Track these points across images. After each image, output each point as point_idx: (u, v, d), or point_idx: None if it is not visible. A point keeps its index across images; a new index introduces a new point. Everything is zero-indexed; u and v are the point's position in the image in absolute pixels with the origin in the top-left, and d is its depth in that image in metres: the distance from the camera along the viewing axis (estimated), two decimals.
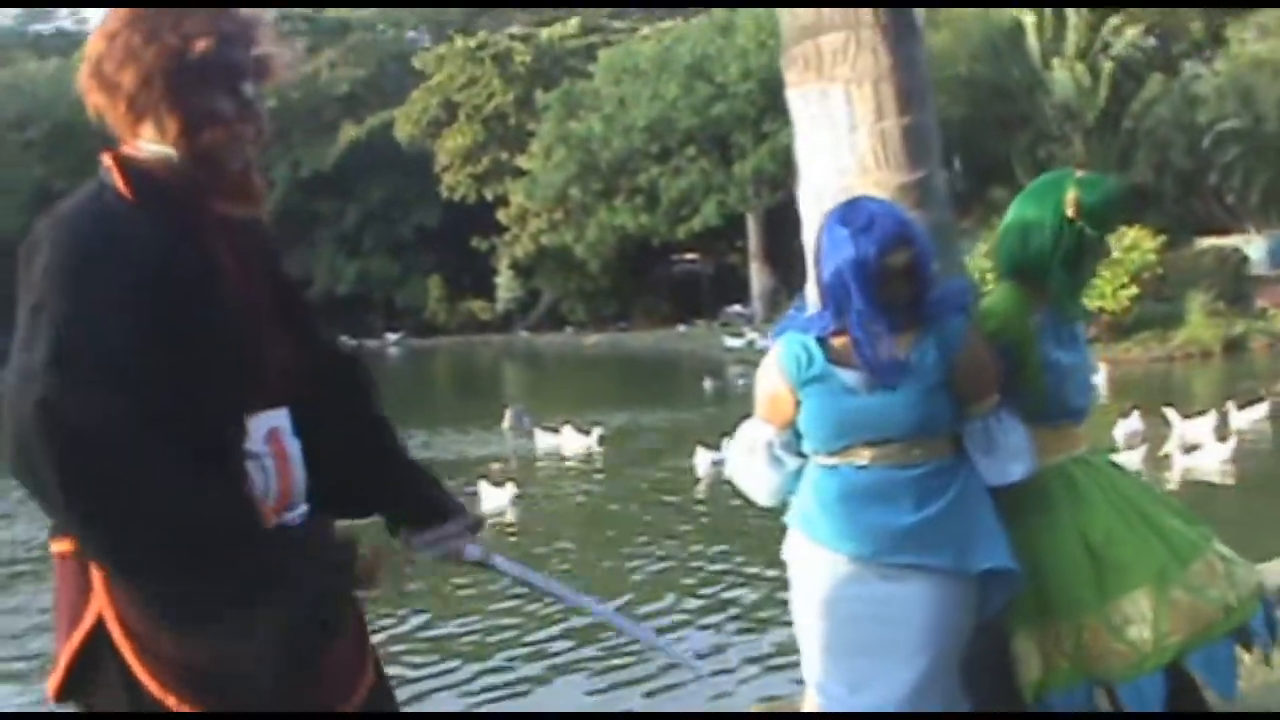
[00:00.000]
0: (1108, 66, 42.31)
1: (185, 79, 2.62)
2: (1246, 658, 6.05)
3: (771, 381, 4.00)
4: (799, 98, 4.48)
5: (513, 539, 15.32)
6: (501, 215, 60.41)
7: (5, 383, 2.46)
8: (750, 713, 4.62)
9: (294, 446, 2.85)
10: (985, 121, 45.86)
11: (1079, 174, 4.21)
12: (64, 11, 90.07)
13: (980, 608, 3.93)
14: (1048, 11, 43.12)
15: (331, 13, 74.81)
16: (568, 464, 20.78)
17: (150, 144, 2.67)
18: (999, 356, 3.96)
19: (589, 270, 57.40)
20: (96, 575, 2.57)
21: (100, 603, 2.56)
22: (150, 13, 2.63)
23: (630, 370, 44.19)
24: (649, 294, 60.82)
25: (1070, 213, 4.07)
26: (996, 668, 4.04)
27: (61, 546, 2.64)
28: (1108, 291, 28.99)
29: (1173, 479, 15.22)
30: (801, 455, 4.02)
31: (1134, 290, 29.67)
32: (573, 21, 64.40)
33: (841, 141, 4.35)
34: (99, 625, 2.56)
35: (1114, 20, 42.87)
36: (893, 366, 3.77)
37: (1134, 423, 17.60)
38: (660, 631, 9.98)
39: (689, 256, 61.28)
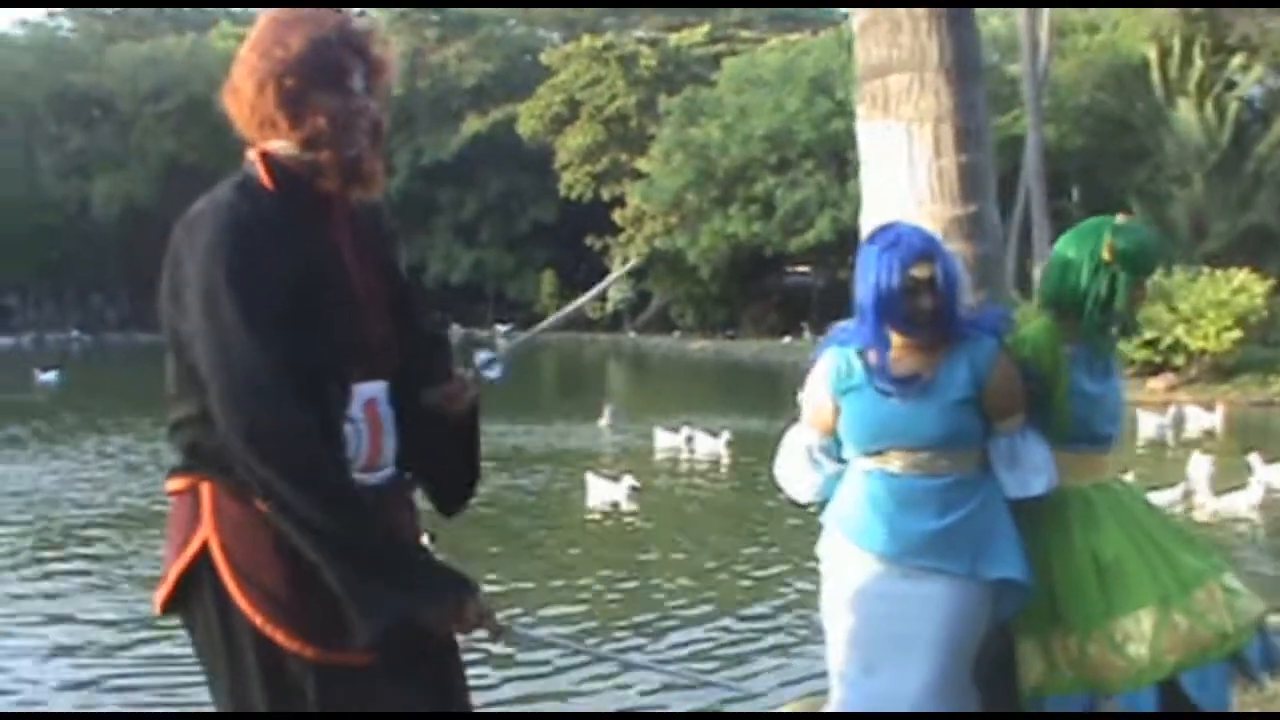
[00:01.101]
0: (1233, 106, 41.85)
1: (292, 82, 3.02)
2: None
3: (815, 391, 4.38)
4: (866, 131, 4.85)
5: (630, 529, 15.71)
6: (617, 216, 60.60)
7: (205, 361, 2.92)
8: (763, 713, 4.93)
9: (388, 415, 3.23)
10: (1107, 154, 45.68)
11: (1119, 220, 4.50)
12: None
13: (994, 613, 4.29)
14: (1174, 45, 42.72)
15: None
16: (681, 463, 21.08)
17: (276, 143, 3.07)
18: (1028, 381, 4.30)
19: (700, 276, 57.51)
20: (205, 509, 3.00)
21: (206, 532, 2.99)
22: (266, 32, 3.06)
23: (732, 378, 44.38)
24: (758, 304, 60.86)
25: (1106, 256, 4.38)
26: (1000, 668, 4.37)
27: (176, 485, 3.09)
28: (1211, 333, 28.83)
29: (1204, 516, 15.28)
30: (840, 461, 4.40)
31: (1238, 334, 29.34)
32: (701, 29, 64.63)
33: (901, 175, 4.71)
34: (204, 550, 2.99)
35: (1238, 60, 42.42)
36: (907, 381, 4.15)
37: (1207, 464, 17.59)
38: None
39: (800, 269, 61.21)
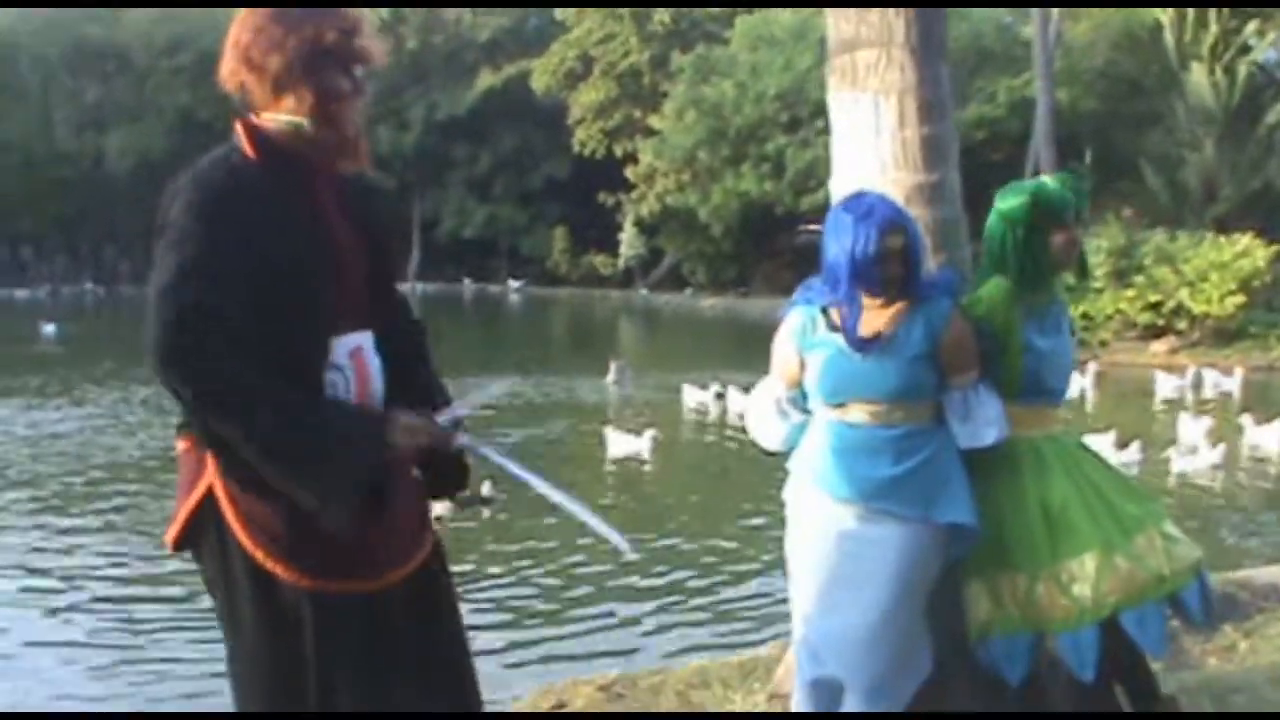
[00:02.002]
0: (1244, 70, 41.76)
1: (318, 63, 3.35)
2: (1242, 644, 6.73)
3: (783, 346, 4.73)
4: (836, 103, 5.14)
5: (648, 482, 16.15)
6: (630, 172, 60.37)
7: (151, 294, 3.19)
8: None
9: (374, 363, 3.55)
10: (1119, 116, 45.60)
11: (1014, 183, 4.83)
12: None
13: (945, 555, 4.62)
14: (1190, 11, 42.64)
15: None
16: (693, 418, 21.39)
17: (285, 115, 3.38)
18: (982, 338, 4.62)
19: (711, 234, 57.40)
20: (209, 460, 3.33)
21: (210, 479, 3.33)
22: (288, 11, 3.35)
23: (743, 335, 44.50)
24: (770, 261, 60.71)
25: (997, 218, 4.74)
26: (948, 606, 4.71)
27: (184, 443, 3.45)
28: (1214, 297, 28.91)
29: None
30: (805, 411, 4.73)
31: (1241, 298, 29.36)
32: None
33: (868, 145, 5.02)
34: (208, 494, 3.34)
35: (1253, 25, 42.26)
36: (867, 340, 4.48)
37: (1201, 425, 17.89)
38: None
39: (812, 227, 60.81)
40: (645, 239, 63.80)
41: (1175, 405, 22.04)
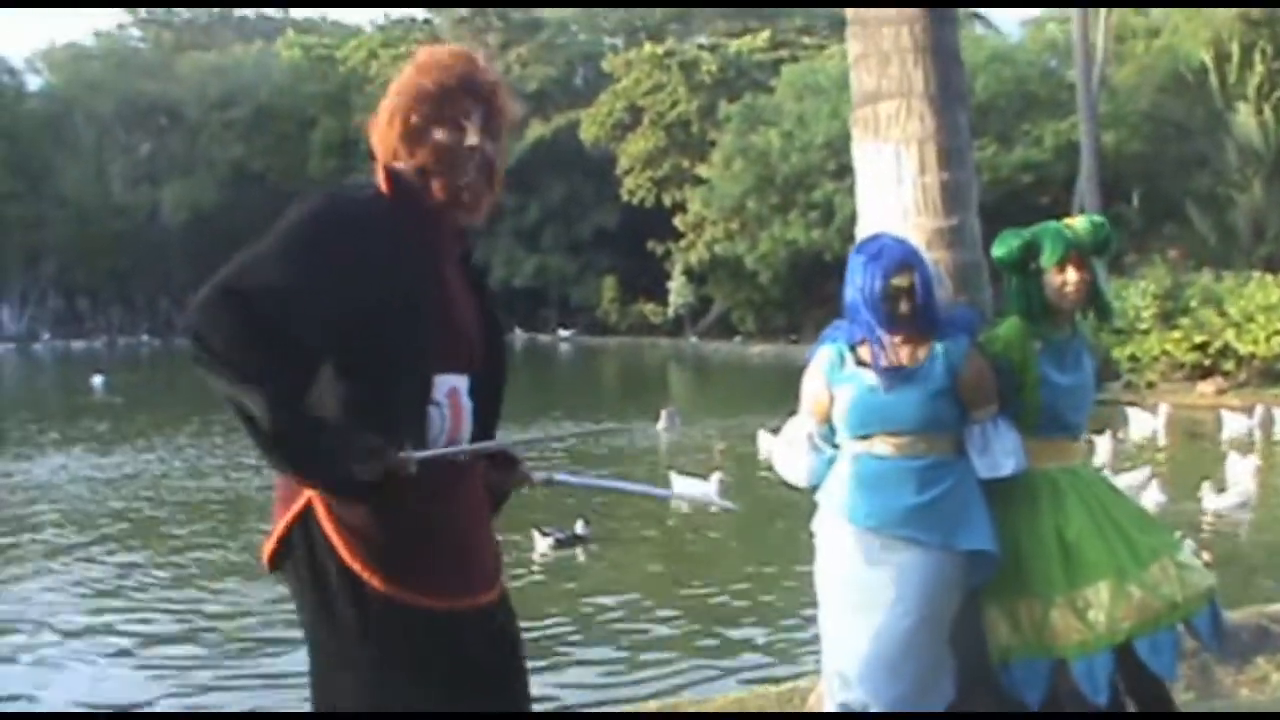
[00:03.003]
0: None
1: (416, 119, 3.59)
2: (1275, 675, 6.87)
3: (813, 382, 4.98)
4: (860, 152, 5.39)
5: (716, 526, 16.13)
6: (679, 221, 60.54)
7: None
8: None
9: (467, 405, 3.71)
10: (1166, 159, 45.59)
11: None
12: None
13: (966, 582, 4.83)
14: (1233, 50, 42.60)
15: (523, 11, 76.09)
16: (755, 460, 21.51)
17: (413, 164, 3.60)
18: (1000, 373, 4.84)
19: (760, 281, 57.47)
20: None
21: (311, 493, 3.49)
22: (406, 74, 3.64)
23: (793, 381, 44.15)
24: (819, 308, 60.47)
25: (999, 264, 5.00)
26: (971, 632, 4.91)
27: None
28: (1260, 337, 28.79)
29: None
30: (835, 446, 4.96)
31: None
32: (762, 34, 64.80)
33: (890, 192, 5.26)
34: (308, 508, 3.49)
35: None
36: (894, 372, 4.71)
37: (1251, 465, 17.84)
38: None
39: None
40: (694, 287, 63.87)
41: (1242, 444, 21.74)
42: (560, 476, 3.94)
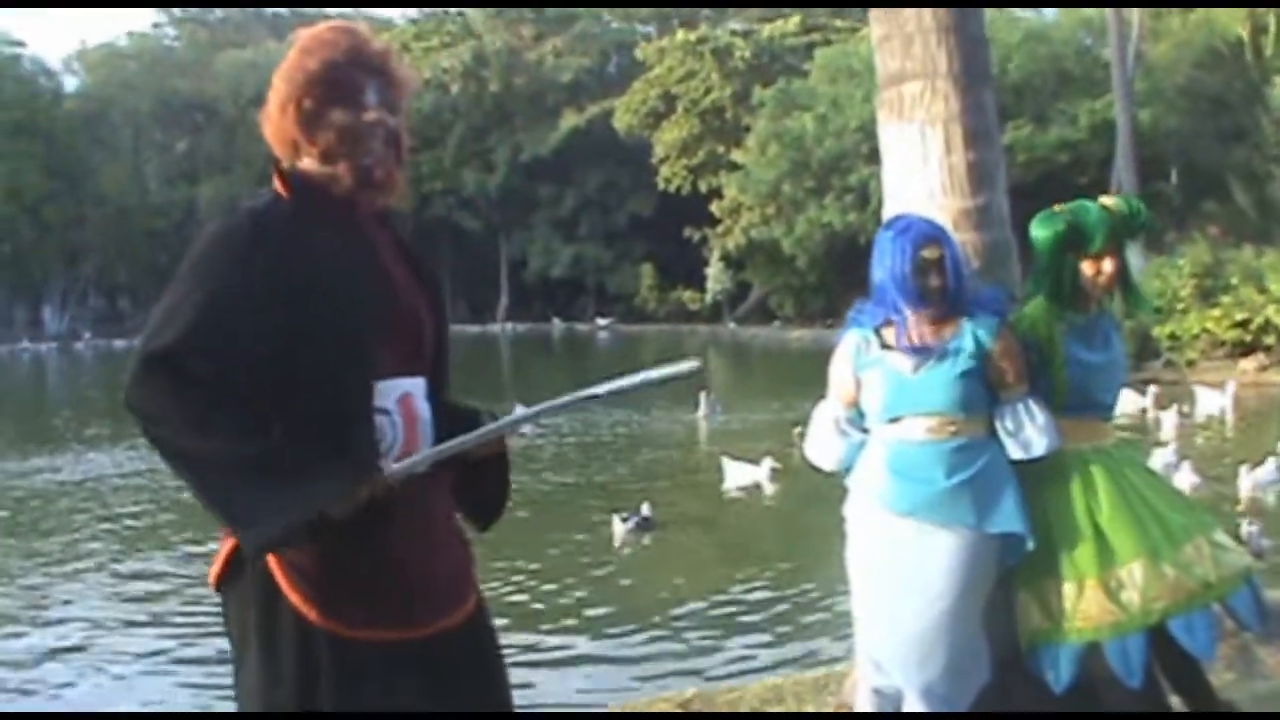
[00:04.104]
0: None
1: (309, 103, 3.39)
2: None
3: (839, 368, 4.95)
4: (885, 134, 5.37)
5: (769, 511, 16.44)
6: (715, 207, 60.53)
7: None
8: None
9: (424, 410, 3.45)
10: (1204, 134, 45.29)
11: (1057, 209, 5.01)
12: None
13: (998, 563, 4.81)
14: (1269, 23, 42.34)
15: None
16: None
17: (315, 154, 3.41)
18: (1028, 352, 4.82)
19: (797, 266, 57.35)
20: None
21: None
22: (290, 59, 3.45)
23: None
24: (856, 292, 58.83)
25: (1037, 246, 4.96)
26: (1007, 613, 4.89)
27: None
28: None
29: None
30: (863, 431, 4.94)
31: None
32: (794, 19, 64.58)
33: (916, 173, 5.23)
34: None
35: None
36: (922, 351, 4.68)
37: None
38: None
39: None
40: (732, 273, 63.91)
41: None
42: (520, 411, 3.62)
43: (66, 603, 12.28)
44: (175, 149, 79.40)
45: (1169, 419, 20.18)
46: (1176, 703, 5.01)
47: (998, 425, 4.78)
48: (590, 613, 11.34)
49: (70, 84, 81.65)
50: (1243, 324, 29.43)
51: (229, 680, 3.52)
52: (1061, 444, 4.82)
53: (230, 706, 3.57)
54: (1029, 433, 4.76)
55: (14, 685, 9.72)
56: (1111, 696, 4.93)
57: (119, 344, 65.22)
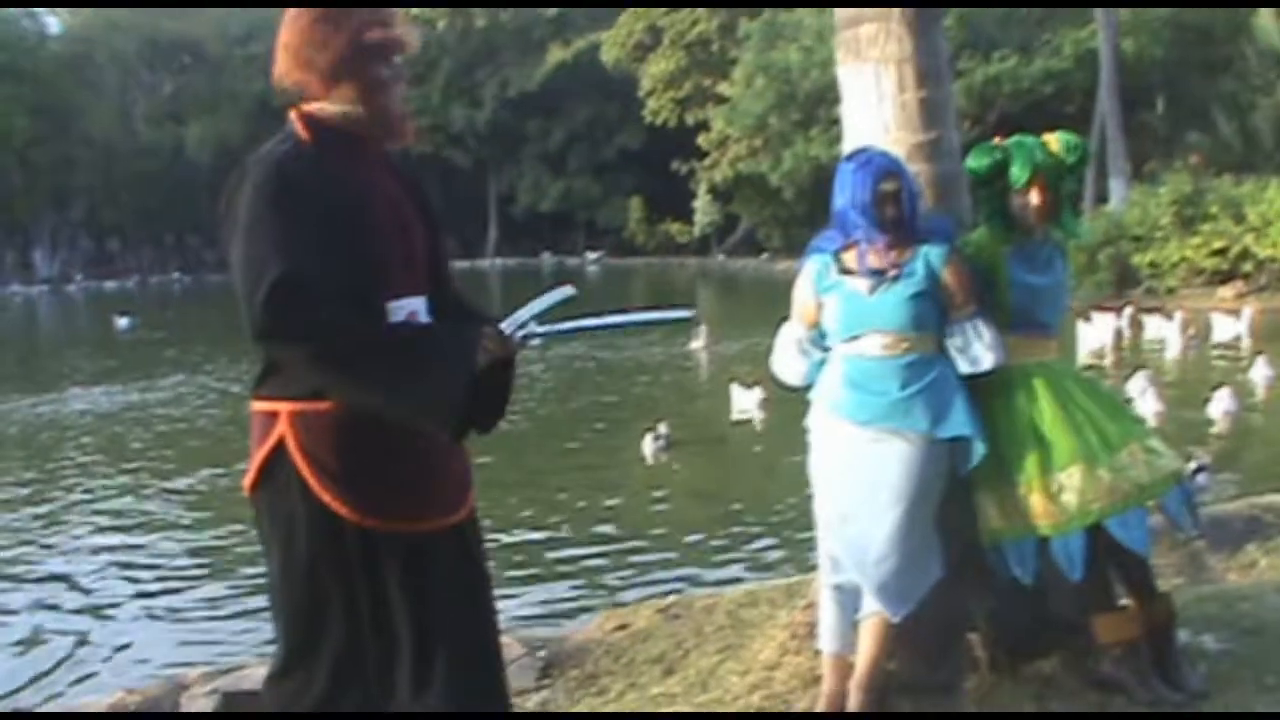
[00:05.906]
0: None
1: (362, 57, 3.84)
2: (1262, 561, 7.22)
3: (801, 291, 5.35)
4: (843, 73, 5.74)
5: (759, 440, 16.93)
6: (702, 140, 60.51)
7: (238, 279, 3.60)
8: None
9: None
10: (1189, 64, 45.36)
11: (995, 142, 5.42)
12: None
13: (952, 468, 5.21)
14: None
15: None
16: None
17: (337, 103, 3.86)
18: (975, 275, 5.21)
19: (784, 198, 57.32)
20: (283, 415, 3.74)
21: (282, 429, 3.73)
22: (330, 12, 3.83)
23: None
24: None
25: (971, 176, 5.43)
26: (959, 515, 5.30)
27: (258, 404, 3.84)
28: (1279, 241, 29.07)
29: None
30: (824, 349, 5.34)
31: None
32: None
33: (871, 109, 5.61)
34: (280, 444, 3.75)
35: None
36: (879, 274, 5.09)
37: (1264, 368, 18.14)
38: None
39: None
40: (720, 206, 63.98)
41: None
42: (552, 329, 3.99)
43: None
44: (162, 89, 79.27)
45: (1173, 335, 20.42)
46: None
47: (948, 342, 5.16)
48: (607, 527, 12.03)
49: (54, 25, 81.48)
50: (1221, 252, 29.80)
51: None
52: (1007, 360, 5.22)
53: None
54: (977, 349, 5.14)
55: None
56: (1059, 591, 5.36)
57: (110, 285, 65.42)
